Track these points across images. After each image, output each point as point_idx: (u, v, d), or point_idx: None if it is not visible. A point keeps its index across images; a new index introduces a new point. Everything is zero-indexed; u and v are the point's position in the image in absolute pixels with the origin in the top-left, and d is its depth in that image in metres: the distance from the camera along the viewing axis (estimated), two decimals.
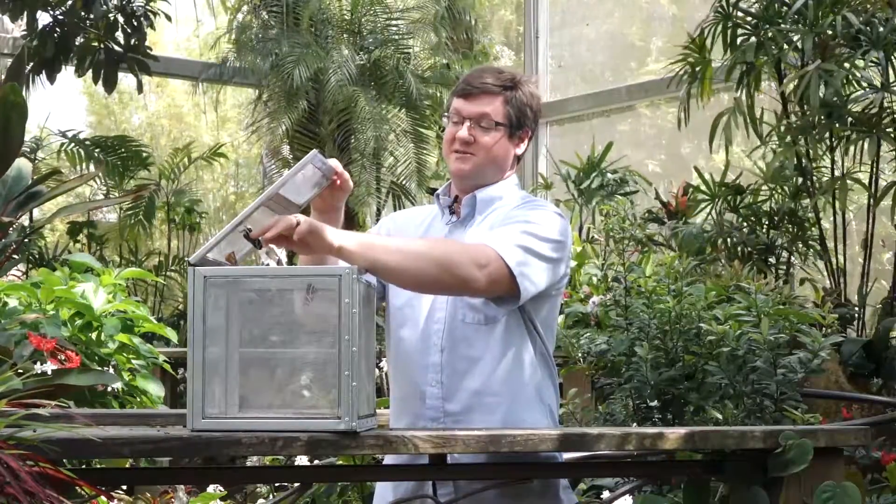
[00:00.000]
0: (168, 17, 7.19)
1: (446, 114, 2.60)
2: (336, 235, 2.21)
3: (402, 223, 2.68)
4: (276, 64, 7.20)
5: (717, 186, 5.55)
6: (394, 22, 7.69)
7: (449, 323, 2.47)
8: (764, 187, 5.36)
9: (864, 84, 4.77)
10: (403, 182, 7.49)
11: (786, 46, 4.88)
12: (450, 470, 2.35)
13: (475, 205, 2.57)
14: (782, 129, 5.09)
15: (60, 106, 8.58)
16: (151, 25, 7.02)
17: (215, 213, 12.61)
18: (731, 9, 5.10)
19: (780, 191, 5.25)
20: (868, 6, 4.73)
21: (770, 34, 4.89)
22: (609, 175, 6.64)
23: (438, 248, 2.38)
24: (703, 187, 5.65)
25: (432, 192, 7.98)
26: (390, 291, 2.56)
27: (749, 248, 5.17)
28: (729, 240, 5.19)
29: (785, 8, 4.93)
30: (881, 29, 4.61)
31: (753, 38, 5.01)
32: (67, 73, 7.12)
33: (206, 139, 12.23)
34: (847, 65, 4.69)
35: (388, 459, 2.52)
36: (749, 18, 5.11)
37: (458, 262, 2.32)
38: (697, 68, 5.25)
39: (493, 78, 2.54)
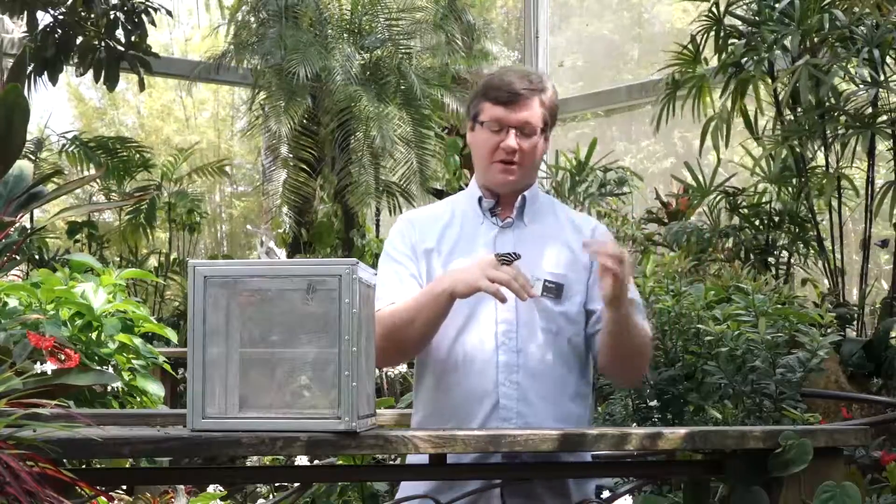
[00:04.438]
0: (169, 13, 7.18)
1: (482, 121, 2.54)
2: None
3: (426, 225, 2.60)
4: (278, 62, 7.17)
5: (707, 186, 5.55)
6: (395, 22, 7.66)
7: (524, 325, 2.46)
8: (762, 186, 5.36)
9: (858, 81, 4.78)
10: (404, 183, 7.45)
11: (774, 45, 4.89)
12: (450, 470, 2.35)
13: (523, 207, 2.58)
14: (776, 129, 5.10)
15: (50, 109, 8.61)
16: (153, 22, 7.01)
17: (214, 212, 12.59)
18: (721, 14, 5.12)
19: (782, 191, 5.25)
20: (855, 8, 4.74)
21: (760, 37, 4.90)
22: (602, 174, 6.58)
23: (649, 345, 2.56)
24: (694, 186, 5.66)
25: (435, 192, 7.98)
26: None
27: (747, 248, 5.17)
28: (728, 240, 5.19)
29: (774, 11, 4.94)
30: (876, 29, 4.62)
31: (743, 41, 5.02)
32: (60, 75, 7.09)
33: (201, 138, 12.22)
34: (843, 62, 4.69)
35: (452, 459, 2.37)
36: (739, 23, 5.12)
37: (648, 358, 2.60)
38: (686, 76, 5.28)
39: (527, 82, 2.53)
